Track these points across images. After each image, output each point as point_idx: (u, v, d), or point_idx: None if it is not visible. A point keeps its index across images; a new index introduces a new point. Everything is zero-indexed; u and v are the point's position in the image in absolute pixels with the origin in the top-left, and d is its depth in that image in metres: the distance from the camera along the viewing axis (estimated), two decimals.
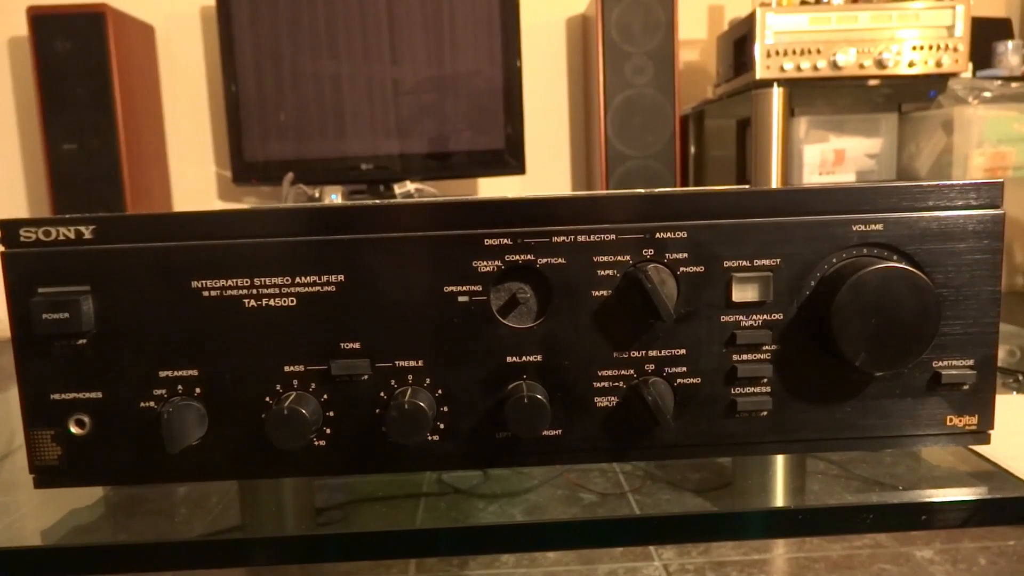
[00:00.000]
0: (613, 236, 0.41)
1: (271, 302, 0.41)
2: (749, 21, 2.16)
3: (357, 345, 0.41)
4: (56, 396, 0.41)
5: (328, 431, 0.41)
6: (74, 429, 0.41)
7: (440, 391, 0.41)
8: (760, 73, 2.12)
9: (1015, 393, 0.59)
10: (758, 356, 0.42)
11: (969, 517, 0.42)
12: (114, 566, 0.41)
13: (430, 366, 0.41)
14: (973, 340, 0.42)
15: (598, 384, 0.42)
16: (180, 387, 0.41)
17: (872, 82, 2.18)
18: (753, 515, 0.43)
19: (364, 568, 1.18)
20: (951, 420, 0.43)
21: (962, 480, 0.47)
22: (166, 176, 2.72)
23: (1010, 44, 2.35)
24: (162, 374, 0.41)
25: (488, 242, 0.40)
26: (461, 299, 0.41)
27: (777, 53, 2.11)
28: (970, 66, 2.16)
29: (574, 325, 0.41)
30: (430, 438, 0.42)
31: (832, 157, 2.26)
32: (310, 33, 2.41)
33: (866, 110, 2.31)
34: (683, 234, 0.41)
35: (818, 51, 2.11)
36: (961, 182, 0.41)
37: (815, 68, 2.11)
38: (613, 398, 0.42)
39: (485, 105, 2.42)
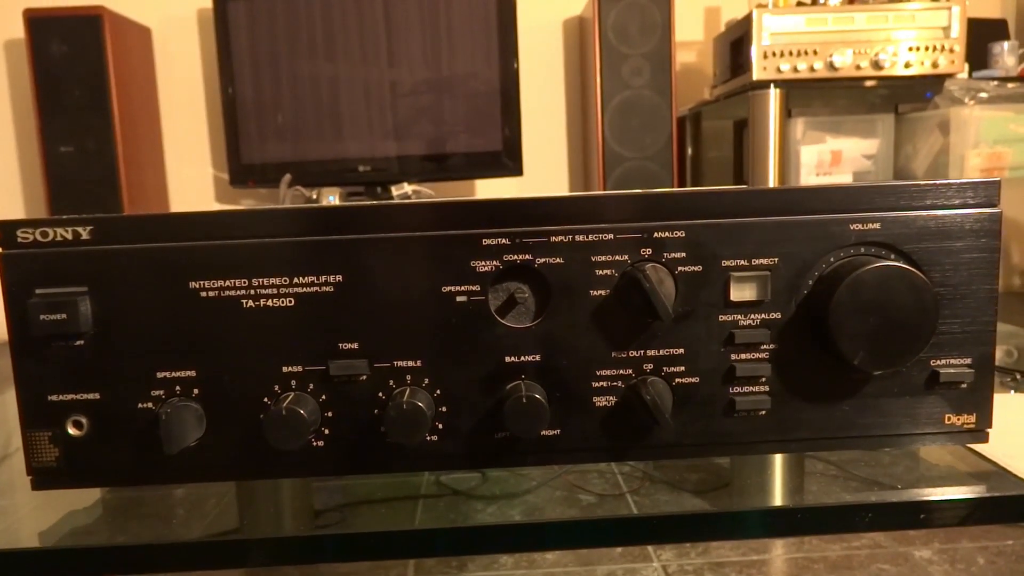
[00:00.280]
0: (611, 236, 0.41)
1: (269, 302, 0.40)
2: (745, 22, 2.17)
3: (355, 345, 0.41)
4: (54, 397, 0.40)
5: (326, 432, 0.41)
6: (72, 430, 0.41)
7: (438, 391, 0.41)
8: (757, 74, 2.12)
9: (1013, 392, 0.59)
10: (756, 355, 0.42)
11: (968, 516, 0.42)
12: (112, 568, 0.41)
13: (429, 366, 0.41)
14: (971, 339, 0.42)
15: (596, 384, 0.42)
16: (178, 388, 0.41)
17: (869, 83, 2.18)
18: (751, 514, 0.43)
19: (363, 569, 1.18)
20: (949, 419, 0.43)
21: (960, 479, 0.47)
22: (163, 178, 2.72)
23: (1006, 45, 2.35)
24: (160, 375, 0.41)
25: (486, 242, 0.40)
26: (459, 299, 0.41)
27: (774, 54, 2.11)
28: (966, 67, 2.17)
29: (572, 325, 0.41)
30: (429, 438, 0.42)
31: (829, 158, 2.27)
32: (307, 35, 2.41)
33: (863, 111, 2.31)
34: (681, 233, 0.41)
35: (815, 52, 2.11)
36: (958, 181, 0.41)
37: (812, 69, 2.11)
38: (611, 398, 0.42)
39: (482, 107, 2.42)
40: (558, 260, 0.41)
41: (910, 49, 2.11)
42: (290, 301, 0.41)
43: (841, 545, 1.22)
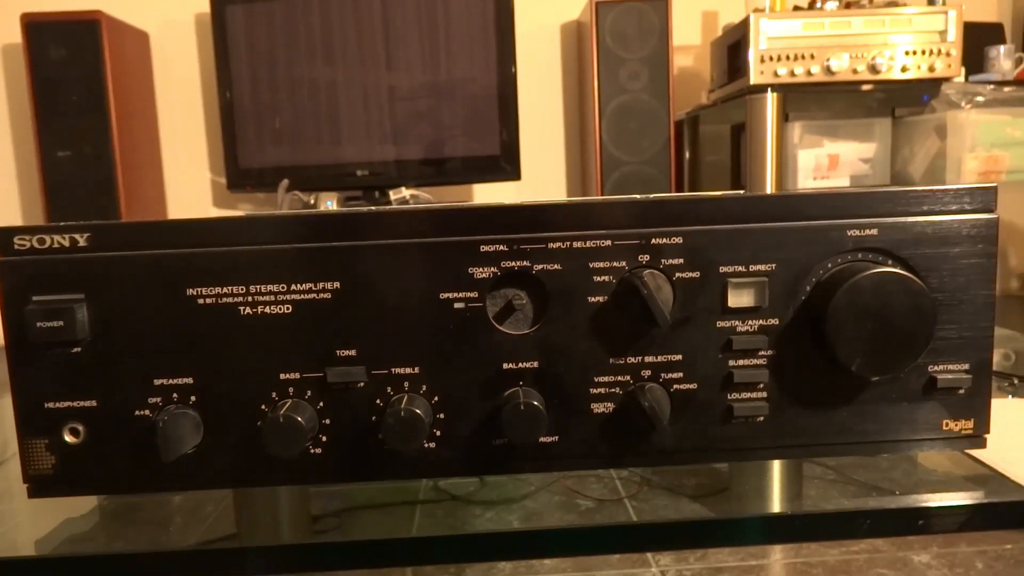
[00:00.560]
0: (609, 242, 0.41)
1: (266, 309, 0.40)
2: (743, 27, 2.17)
3: (353, 352, 0.41)
4: (50, 405, 0.40)
5: (324, 439, 0.41)
6: (68, 438, 0.41)
7: (436, 398, 0.41)
8: (754, 78, 2.12)
9: (1011, 397, 0.59)
10: (754, 361, 0.42)
11: (966, 521, 0.42)
12: None
13: (426, 373, 0.41)
14: (968, 344, 0.42)
15: (595, 390, 0.42)
16: (175, 395, 0.41)
17: (866, 87, 2.19)
18: (750, 521, 0.43)
19: None
20: (947, 424, 0.43)
21: (959, 484, 0.47)
22: (161, 183, 2.72)
23: (1002, 49, 2.36)
24: (157, 382, 0.41)
25: (484, 248, 0.40)
26: (457, 306, 0.41)
27: (771, 58, 2.12)
28: (963, 71, 2.17)
29: (570, 331, 0.41)
30: (427, 445, 0.41)
31: (826, 162, 2.27)
32: (305, 39, 2.41)
33: (860, 115, 2.31)
34: (679, 240, 0.41)
35: (812, 56, 2.12)
36: (955, 187, 0.41)
37: (809, 73, 2.12)
38: (610, 404, 0.42)
39: (480, 111, 2.42)
40: (556, 267, 0.41)
41: (907, 53, 2.11)
42: (287, 308, 0.40)
43: (839, 550, 1.22)
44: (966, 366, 0.42)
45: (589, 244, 0.41)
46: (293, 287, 0.40)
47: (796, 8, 2.24)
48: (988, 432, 0.43)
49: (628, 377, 0.42)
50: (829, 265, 0.41)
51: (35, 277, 0.40)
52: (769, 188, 2.16)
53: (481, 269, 0.40)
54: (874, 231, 0.41)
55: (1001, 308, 0.43)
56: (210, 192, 2.76)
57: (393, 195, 2.36)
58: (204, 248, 0.40)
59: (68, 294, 0.40)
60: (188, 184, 2.75)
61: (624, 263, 0.41)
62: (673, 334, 0.41)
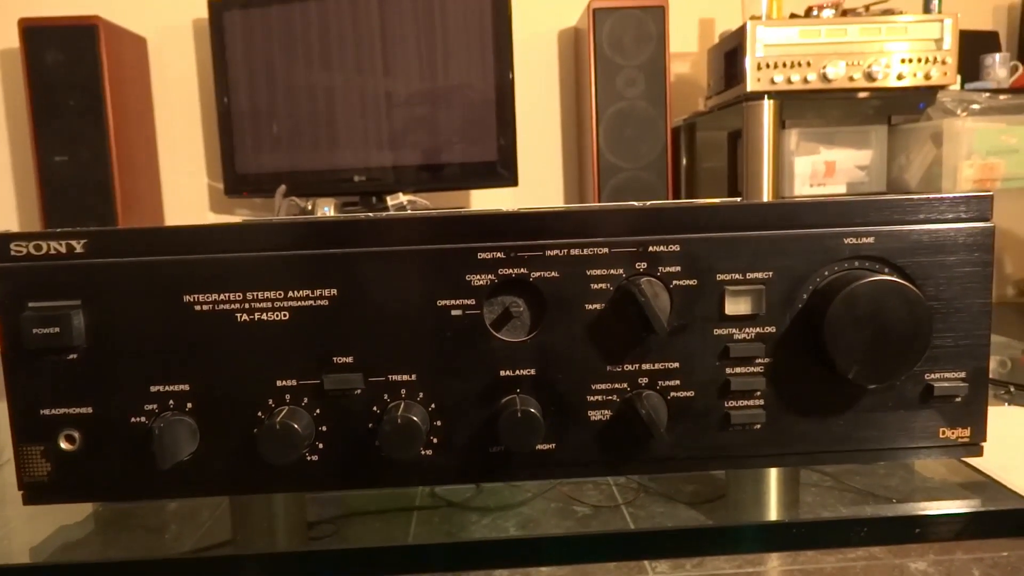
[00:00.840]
0: (606, 250, 0.41)
1: (263, 316, 0.40)
2: (739, 34, 2.18)
3: (350, 359, 0.41)
4: (46, 411, 0.40)
5: (321, 446, 0.41)
6: (64, 445, 0.40)
7: (433, 405, 0.41)
8: (751, 86, 2.13)
9: (1007, 404, 0.59)
10: (751, 369, 0.42)
11: (963, 530, 0.42)
12: None
13: (423, 380, 0.41)
14: (965, 352, 0.42)
15: (592, 398, 0.42)
16: (171, 402, 0.41)
17: (862, 94, 2.19)
18: (747, 529, 0.43)
19: None
20: (944, 432, 0.43)
21: (955, 492, 0.47)
22: (158, 188, 2.71)
23: (998, 57, 2.37)
24: (153, 389, 0.40)
25: (481, 256, 0.40)
26: (454, 313, 0.41)
27: (768, 66, 2.12)
28: (959, 78, 2.18)
29: (567, 339, 0.41)
30: (423, 452, 0.41)
31: (823, 169, 2.28)
32: (303, 45, 2.42)
33: (856, 122, 2.32)
34: (676, 247, 0.41)
35: (808, 64, 2.12)
36: (951, 195, 0.41)
37: (805, 81, 2.13)
38: (607, 412, 0.42)
39: (478, 117, 2.42)
40: (553, 274, 0.41)
41: (903, 61, 2.12)
42: (284, 315, 0.40)
43: (836, 557, 1.22)
44: (962, 374, 0.42)
45: (586, 251, 0.41)
46: (290, 294, 0.40)
47: (793, 16, 2.25)
48: (985, 440, 0.43)
49: (625, 384, 0.42)
50: (826, 273, 0.41)
51: (31, 283, 0.39)
52: (766, 195, 2.16)
53: (478, 276, 0.40)
54: (871, 239, 0.41)
55: (997, 315, 0.43)
56: (207, 197, 2.76)
57: (390, 201, 2.36)
58: (201, 255, 0.40)
59: (64, 300, 0.40)
60: (185, 189, 2.75)
61: (621, 270, 0.41)
62: (670, 342, 0.41)
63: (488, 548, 0.42)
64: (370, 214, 0.42)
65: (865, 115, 2.32)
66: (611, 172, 2.37)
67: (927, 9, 2.25)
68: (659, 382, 0.42)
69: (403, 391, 0.41)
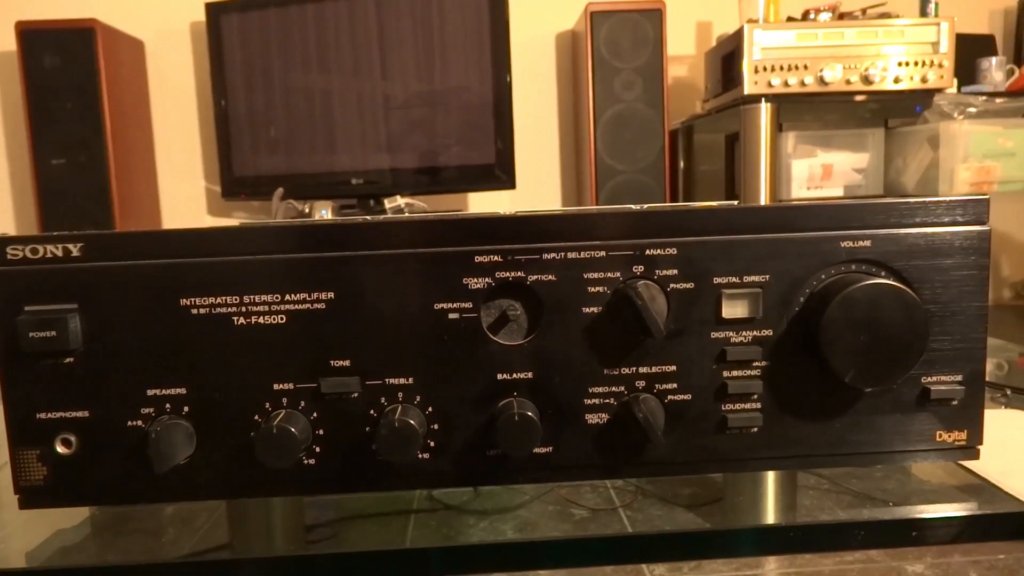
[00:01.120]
0: (603, 253, 0.41)
1: (260, 319, 0.40)
2: (737, 37, 2.18)
3: (347, 363, 0.41)
4: (42, 415, 0.40)
5: (318, 449, 0.41)
6: (60, 449, 0.40)
7: (430, 408, 0.41)
8: (748, 89, 2.13)
9: (1004, 407, 0.59)
10: (748, 372, 0.42)
11: (959, 533, 0.42)
12: None
13: (420, 383, 0.41)
14: (961, 356, 0.42)
15: (589, 401, 0.42)
16: (168, 405, 0.40)
17: (859, 98, 2.20)
18: (745, 532, 0.43)
19: None
20: (940, 436, 0.43)
21: (952, 495, 0.47)
22: (155, 191, 2.71)
23: (994, 60, 2.38)
24: (150, 392, 0.40)
25: (479, 259, 0.40)
26: (452, 316, 0.41)
27: (765, 69, 2.13)
28: (955, 82, 2.19)
29: (565, 342, 0.41)
30: (420, 456, 0.41)
31: (820, 172, 2.28)
32: (300, 48, 2.42)
33: (853, 125, 2.33)
34: (673, 251, 0.41)
35: (805, 67, 2.13)
36: (948, 198, 0.42)
37: (802, 84, 2.13)
38: (604, 415, 0.42)
39: (475, 120, 2.42)
40: (550, 277, 0.41)
41: (900, 64, 2.13)
42: (281, 318, 0.40)
43: (834, 560, 1.22)
44: (959, 377, 0.42)
45: (583, 255, 0.41)
46: (287, 297, 0.40)
47: (790, 19, 2.25)
48: (981, 443, 0.43)
49: (622, 388, 0.42)
50: (823, 276, 0.41)
51: (28, 287, 0.39)
52: (763, 198, 2.16)
53: (475, 279, 0.40)
54: (867, 243, 0.41)
55: (994, 318, 0.43)
56: (204, 200, 2.76)
57: (388, 204, 2.36)
58: (198, 258, 0.40)
59: (61, 304, 0.40)
60: (182, 192, 2.74)
61: (618, 274, 0.41)
62: (667, 345, 0.41)
63: (485, 551, 0.42)
64: (367, 217, 0.42)
65: (862, 118, 2.32)
66: (609, 175, 2.37)
67: (923, 13, 2.25)
68: (656, 385, 0.42)
69: (400, 394, 0.41)
